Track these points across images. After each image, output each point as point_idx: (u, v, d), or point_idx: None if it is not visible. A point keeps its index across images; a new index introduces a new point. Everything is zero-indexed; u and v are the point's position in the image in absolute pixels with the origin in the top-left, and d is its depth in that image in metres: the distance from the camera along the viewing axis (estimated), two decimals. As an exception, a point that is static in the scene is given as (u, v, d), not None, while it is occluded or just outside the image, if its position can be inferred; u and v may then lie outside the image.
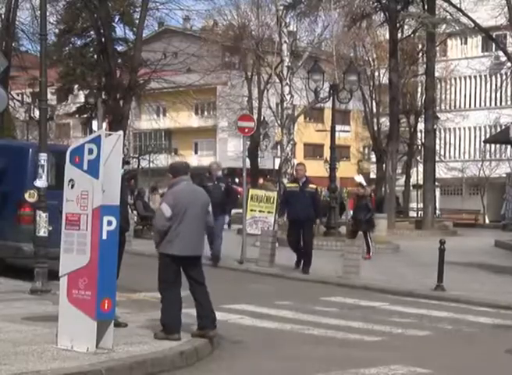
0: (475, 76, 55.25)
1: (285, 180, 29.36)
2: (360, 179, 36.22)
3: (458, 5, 35.18)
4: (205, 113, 64.56)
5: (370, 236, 20.76)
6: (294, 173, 17.29)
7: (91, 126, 37.43)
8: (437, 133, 43.78)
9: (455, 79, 55.71)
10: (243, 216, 18.81)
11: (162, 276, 9.09)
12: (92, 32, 37.15)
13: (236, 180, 49.16)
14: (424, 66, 38.21)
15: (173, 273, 9.02)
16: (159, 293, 9.15)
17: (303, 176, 16.46)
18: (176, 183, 9.21)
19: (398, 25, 34.89)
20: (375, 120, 48.70)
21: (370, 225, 21.04)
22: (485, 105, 55.60)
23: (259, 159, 50.45)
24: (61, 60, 38.52)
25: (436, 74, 39.01)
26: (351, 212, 25.82)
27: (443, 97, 53.87)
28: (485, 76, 53.74)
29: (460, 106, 56.67)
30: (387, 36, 37.25)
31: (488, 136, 50.63)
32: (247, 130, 18.78)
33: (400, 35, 36.70)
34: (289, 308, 12.44)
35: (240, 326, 10.78)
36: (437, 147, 44.86)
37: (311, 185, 16.53)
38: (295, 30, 41.51)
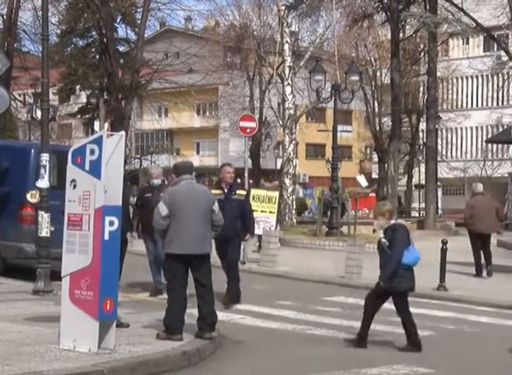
0: (477, 76, 55.25)
1: (287, 181, 29.40)
2: (362, 179, 36.33)
3: (460, 5, 35.15)
4: (207, 113, 64.58)
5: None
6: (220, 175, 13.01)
7: (93, 126, 37.48)
8: (439, 133, 43.82)
9: (457, 79, 55.73)
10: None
11: (169, 277, 9.13)
12: (94, 32, 37.18)
13: (238, 180, 49.08)
14: (426, 65, 38.17)
15: (177, 273, 9.02)
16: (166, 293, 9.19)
17: (230, 180, 12.65)
18: (177, 183, 9.24)
19: (400, 25, 34.87)
20: (376, 120, 48.73)
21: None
22: (487, 104, 55.62)
23: (261, 159, 50.47)
24: (63, 61, 38.54)
25: (438, 74, 39.00)
26: (353, 212, 25.82)
27: (445, 97, 53.91)
28: (487, 75, 53.71)
29: (462, 106, 56.69)
30: (389, 36, 37.22)
31: (490, 136, 50.66)
32: (248, 130, 18.81)
33: (401, 35, 36.69)
34: (291, 308, 12.44)
35: (242, 326, 10.78)
36: (439, 147, 44.94)
37: (239, 191, 12.86)
38: (297, 30, 41.50)
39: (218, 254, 12.58)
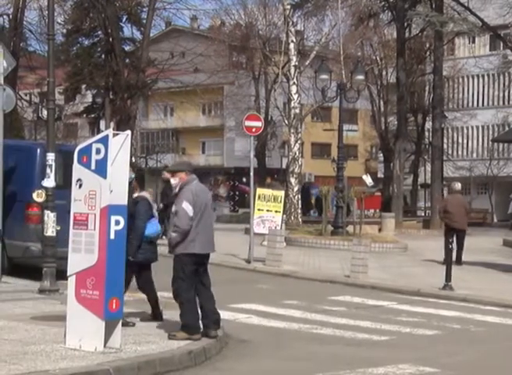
0: (483, 75, 55.12)
1: (292, 180, 29.38)
2: (367, 178, 36.35)
3: (466, 4, 35.13)
4: (212, 113, 64.59)
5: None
6: None
7: (99, 125, 37.45)
8: (445, 132, 43.73)
9: (463, 78, 55.60)
10: (251, 216, 18.82)
11: (182, 277, 8.92)
12: (100, 32, 37.22)
13: (244, 179, 49.22)
14: (432, 64, 38.15)
15: (192, 273, 8.99)
16: (177, 294, 8.96)
17: None
18: (189, 182, 9.10)
19: (406, 24, 34.87)
20: (382, 119, 48.68)
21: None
22: (493, 103, 55.49)
23: (266, 159, 50.49)
24: (68, 60, 38.61)
25: (444, 73, 38.96)
26: (358, 211, 25.78)
27: (451, 96, 53.80)
28: (493, 74, 53.62)
29: (467, 105, 56.55)
30: (395, 35, 37.23)
31: (496, 135, 50.57)
32: (254, 130, 18.76)
33: (407, 34, 36.67)
34: (296, 307, 12.44)
35: (248, 325, 10.78)
36: (445, 146, 44.83)
37: None
38: (302, 29, 41.51)
39: None
